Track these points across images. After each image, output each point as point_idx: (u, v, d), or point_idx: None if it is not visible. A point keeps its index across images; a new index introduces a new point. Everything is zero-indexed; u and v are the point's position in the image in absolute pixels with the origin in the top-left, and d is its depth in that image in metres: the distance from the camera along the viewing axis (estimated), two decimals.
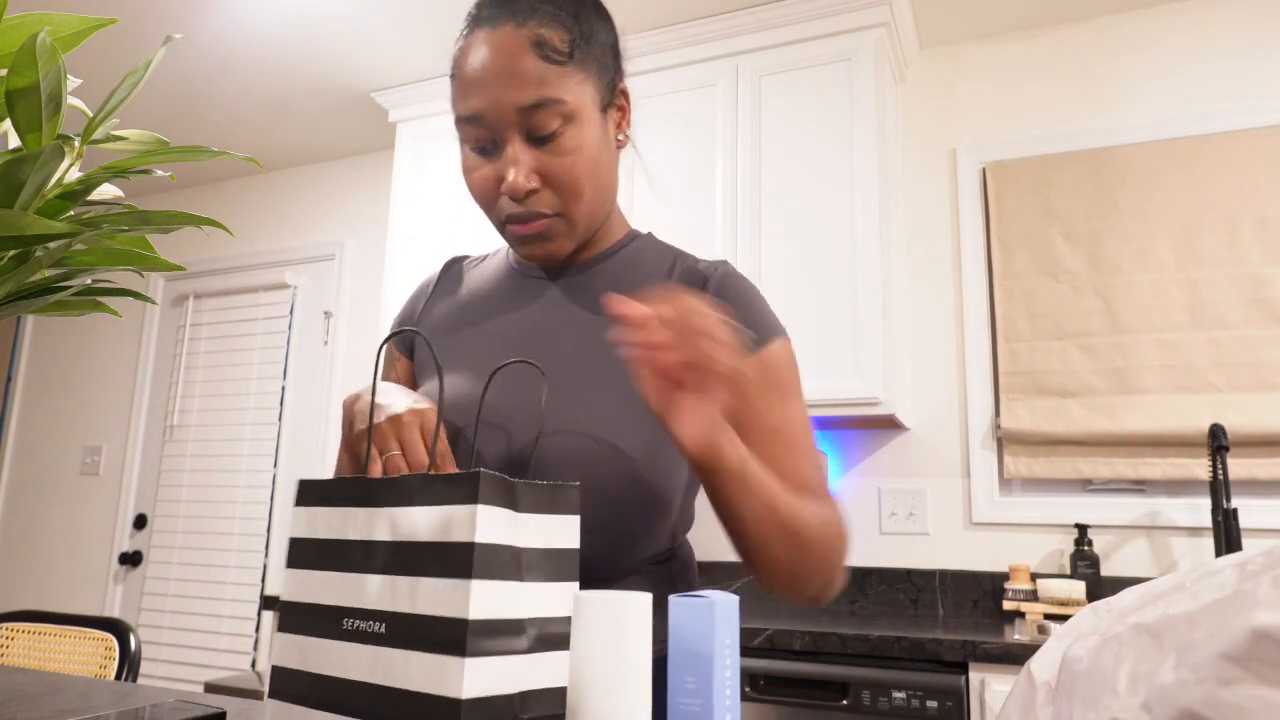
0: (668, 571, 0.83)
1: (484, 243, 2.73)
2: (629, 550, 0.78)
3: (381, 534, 0.54)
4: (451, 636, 0.49)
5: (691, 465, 0.69)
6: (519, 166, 0.78)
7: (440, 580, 0.50)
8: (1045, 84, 2.46)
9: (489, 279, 0.93)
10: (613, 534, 0.77)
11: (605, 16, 0.86)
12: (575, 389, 0.79)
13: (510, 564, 0.52)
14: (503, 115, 0.77)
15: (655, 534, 0.80)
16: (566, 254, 0.84)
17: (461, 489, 0.51)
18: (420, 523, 0.52)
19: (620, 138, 0.87)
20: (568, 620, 0.54)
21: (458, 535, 0.51)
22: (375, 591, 0.53)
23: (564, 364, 0.81)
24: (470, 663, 0.48)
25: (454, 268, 0.99)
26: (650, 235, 0.94)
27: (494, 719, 0.49)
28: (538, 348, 0.84)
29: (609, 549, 0.77)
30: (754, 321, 0.84)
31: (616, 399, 0.79)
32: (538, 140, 0.78)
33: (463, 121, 0.80)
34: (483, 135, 0.79)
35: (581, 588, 0.75)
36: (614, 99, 0.85)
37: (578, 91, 0.79)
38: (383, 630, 0.52)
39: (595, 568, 0.77)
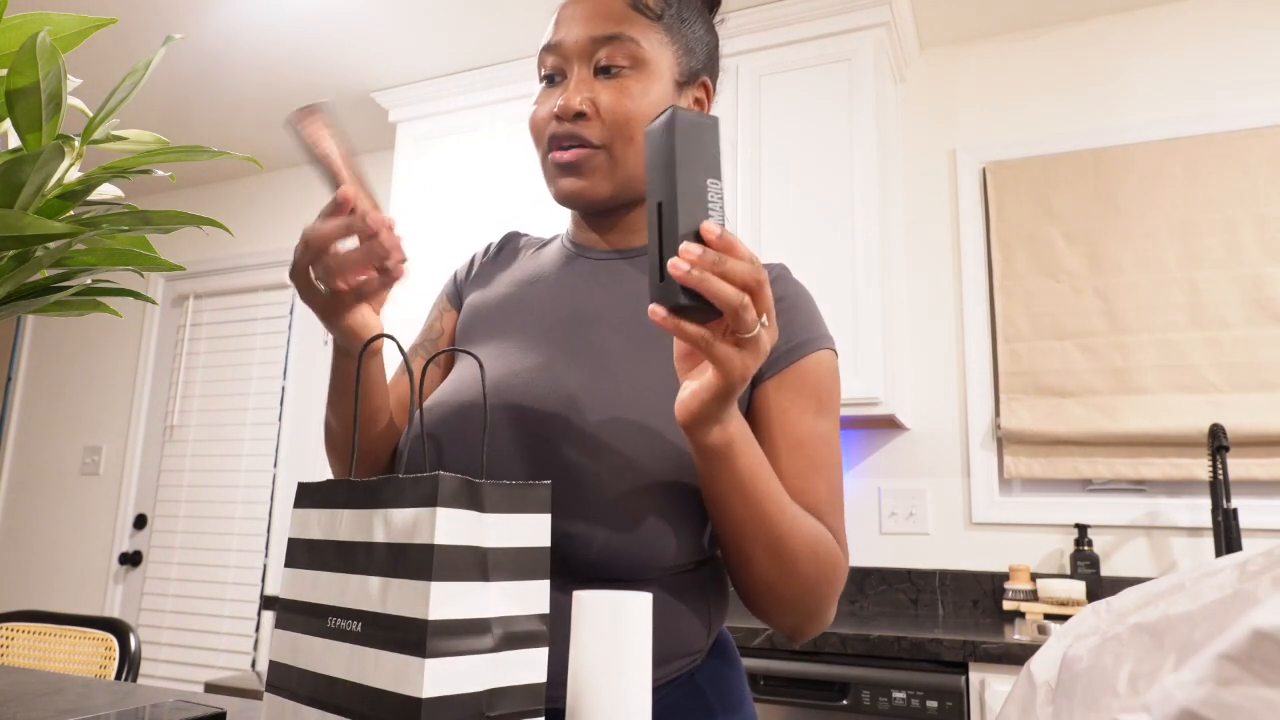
0: (695, 579, 0.77)
1: (483, 244, 2.72)
2: (661, 547, 0.72)
3: (363, 535, 0.57)
4: (413, 637, 0.50)
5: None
6: (576, 89, 0.81)
7: (406, 581, 0.52)
8: (1045, 84, 2.46)
9: (543, 259, 0.92)
10: (647, 526, 0.71)
11: (707, 16, 0.89)
12: (618, 371, 0.76)
13: (474, 564, 0.53)
14: (578, 43, 0.81)
15: (692, 531, 0.74)
16: (602, 198, 0.82)
17: (422, 492, 0.53)
18: (397, 524, 0.54)
19: None
20: (538, 619, 0.55)
21: (420, 537, 0.52)
22: (355, 591, 0.55)
23: (608, 346, 0.79)
24: (430, 663, 0.49)
25: (512, 242, 0.98)
26: None
27: (458, 718, 0.50)
28: (583, 328, 0.81)
29: (638, 545, 0.70)
30: (803, 326, 0.80)
31: (661, 385, 0.76)
32: (602, 71, 0.81)
33: (543, 51, 0.84)
34: (556, 64, 0.83)
35: (598, 587, 0.73)
36: (693, 83, 0.87)
37: (654, 45, 0.82)
38: (359, 629, 0.54)
39: (614, 567, 0.71)
